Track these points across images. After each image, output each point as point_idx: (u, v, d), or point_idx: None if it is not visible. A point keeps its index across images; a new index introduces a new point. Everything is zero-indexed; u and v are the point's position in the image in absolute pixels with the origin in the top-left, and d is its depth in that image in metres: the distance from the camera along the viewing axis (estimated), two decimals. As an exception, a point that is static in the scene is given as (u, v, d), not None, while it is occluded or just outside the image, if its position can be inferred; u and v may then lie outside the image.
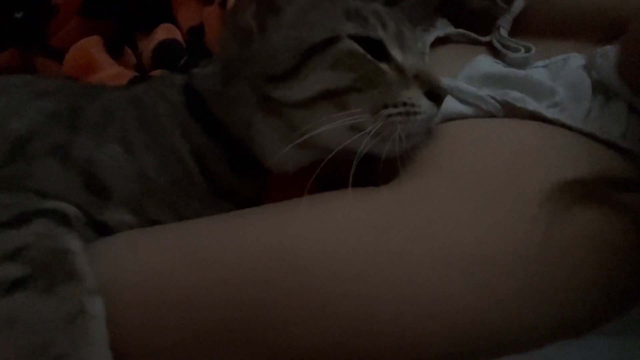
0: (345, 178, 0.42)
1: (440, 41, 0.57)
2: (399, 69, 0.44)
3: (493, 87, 0.49)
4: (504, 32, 0.56)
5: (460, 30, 0.57)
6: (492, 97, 0.46)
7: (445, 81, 0.48)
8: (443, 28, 0.58)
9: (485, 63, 0.51)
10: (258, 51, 0.45)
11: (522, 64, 0.52)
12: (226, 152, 0.48)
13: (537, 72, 0.50)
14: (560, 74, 0.49)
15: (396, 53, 0.44)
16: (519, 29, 0.56)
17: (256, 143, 0.47)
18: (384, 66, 0.43)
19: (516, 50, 0.53)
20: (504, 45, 0.55)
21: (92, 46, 0.70)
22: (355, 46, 0.43)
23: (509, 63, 0.53)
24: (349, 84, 0.42)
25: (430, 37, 0.55)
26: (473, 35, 0.57)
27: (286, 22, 0.45)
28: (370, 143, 0.41)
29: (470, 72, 0.51)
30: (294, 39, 0.44)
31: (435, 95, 0.43)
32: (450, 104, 0.47)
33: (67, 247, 0.37)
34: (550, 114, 0.45)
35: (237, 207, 0.45)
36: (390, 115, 0.42)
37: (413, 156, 0.43)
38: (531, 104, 0.46)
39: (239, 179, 0.48)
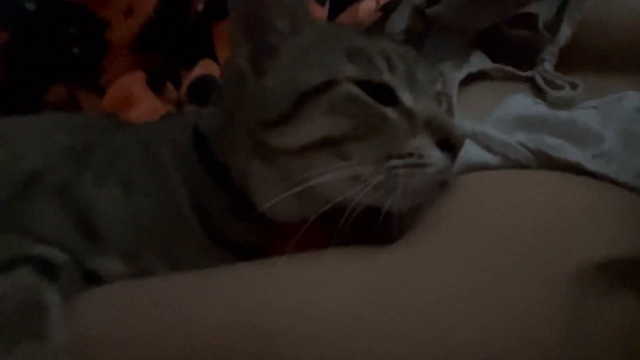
0: (357, 228, 0.38)
1: (474, 78, 0.51)
2: (408, 114, 0.39)
3: (529, 131, 0.42)
4: (548, 66, 0.49)
5: (498, 65, 0.51)
6: (523, 145, 0.40)
7: (469, 125, 0.42)
8: (478, 63, 0.52)
9: (520, 103, 0.45)
10: (252, 95, 0.42)
11: (566, 104, 0.44)
12: (229, 196, 0.45)
13: (585, 115, 0.42)
14: (611, 117, 0.41)
15: (405, 97, 0.40)
16: (566, 62, 0.48)
17: (252, 190, 0.44)
18: (388, 111, 0.39)
19: (560, 88, 0.45)
20: (547, 82, 0.48)
21: (134, 81, 0.72)
22: (355, 90, 0.39)
23: (552, 102, 0.46)
24: (347, 131, 0.38)
25: (460, 74, 0.49)
26: (512, 70, 0.50)
27: (283, 63, 0.42)
28: (372, 196, 0.37)
29: (502, 113, 0.44)
30: (289, 81, 0.41)
31: (449, 144, 0.38)
32: (472, 152, 0.41)
33: (44, 301, 0.35)
34: (594, 166, 0.37)
35: (239, 256, 0.43)
36: (394, 168, 0.37)
37: (424, 212, 0.38)
38: (572, 154, 0.39)
39: (243, 226, 0.45)
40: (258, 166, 0.42)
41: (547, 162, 0.39)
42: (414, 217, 0.38)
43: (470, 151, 0.41)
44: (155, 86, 0.74)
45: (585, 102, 0.45)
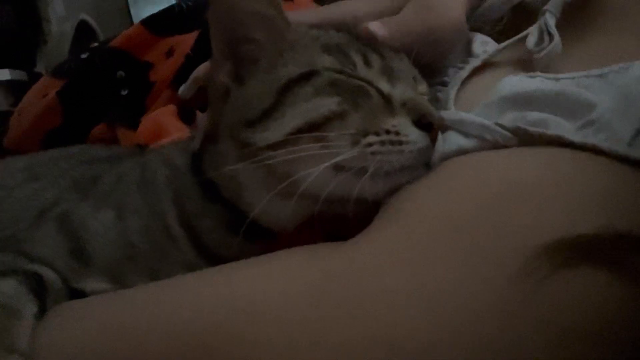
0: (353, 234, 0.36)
1: (482, 69, 0.47)
2: (386, 99, 0.39)
3: (516, 110, 0.37)
4: (550, 19, 0.43)
5: (502, 45, 0.46)
6: (500, 125, 0.35)
7: (447, 114, 0.39)
8: (479, 51, 0.47)
9: (511, 83, 0.40)
10: (235, 100, 0.43)
11: (550, 62, 0.40)
12: (227, 212, 0.44)
13: (579, 84, 0.37)
14: (615, 85, 0.35)
15: (382, 85, 0.40)
16: (573, 18, 0.43)
17: (243, 198, 0.43)
18: (368, 88, 0.39)
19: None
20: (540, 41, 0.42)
21: (164, 114, 0.75)
22: (337, 75, 0.40)
23: (538, 65, 0.41)
24: (331, 110, 0.38)
25: (464, 73, 0.45)
26: (512, 40, 0.45)
27: (263, 69, 0.43)
28: (352, 183, 0.36)
29: (489, 99, 0.40)
30: (269, 80, 0.42)
31: (427, 123, 0.37)
32: (449, 140, 0.37)
33: (20, 309, 0.37)
34: (577, 137, 0.32)
35: None
36: (370, 145, 0.36)
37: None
38: (554, 127, 0.33)
39: (241, 243, 0.44)
40: (245, 171, 0.41)
41: (527, 139, 0.34)
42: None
43: (448, 139, 0.38)
44: (187, 117, 0.77)
45: (591, 70, 0.39)
